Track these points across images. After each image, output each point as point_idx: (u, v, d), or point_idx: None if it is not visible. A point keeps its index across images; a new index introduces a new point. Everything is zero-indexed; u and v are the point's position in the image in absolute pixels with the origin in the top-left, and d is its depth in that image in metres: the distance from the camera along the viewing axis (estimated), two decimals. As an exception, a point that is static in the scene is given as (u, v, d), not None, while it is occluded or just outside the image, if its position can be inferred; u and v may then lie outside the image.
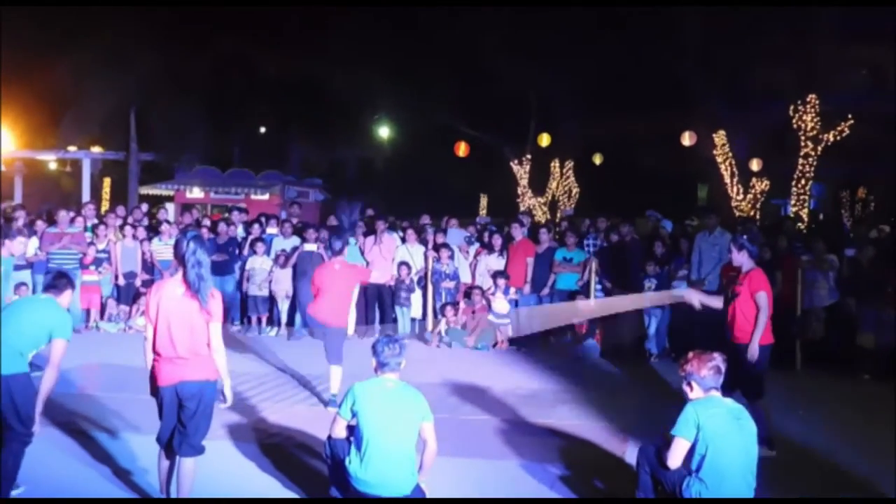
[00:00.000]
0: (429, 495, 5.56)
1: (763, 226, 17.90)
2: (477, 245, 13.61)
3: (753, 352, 7.35)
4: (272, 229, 14.14)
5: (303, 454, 7.13)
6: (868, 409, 9.08)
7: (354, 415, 5.45)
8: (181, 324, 5.44)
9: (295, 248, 13.33)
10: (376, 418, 5.36)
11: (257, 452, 7.14)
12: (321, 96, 27.51)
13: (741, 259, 7.67)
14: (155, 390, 5.58)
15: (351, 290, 9.32)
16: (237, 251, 13.67)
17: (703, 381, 5.38)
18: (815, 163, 22.79)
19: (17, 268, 11.35)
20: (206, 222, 14.44)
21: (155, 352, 5.52)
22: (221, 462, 6.63)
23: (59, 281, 6.28)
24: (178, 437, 5.53)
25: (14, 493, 5.85)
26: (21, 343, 5.82)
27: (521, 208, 27.41)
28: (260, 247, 13.50)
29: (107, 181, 30.04)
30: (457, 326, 12.70)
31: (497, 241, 13.21)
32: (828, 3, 20.57)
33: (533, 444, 7.60)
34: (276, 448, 7.30)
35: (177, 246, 5.62)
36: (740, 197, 24.72)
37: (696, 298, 8.15)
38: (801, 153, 22.72)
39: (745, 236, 8.31)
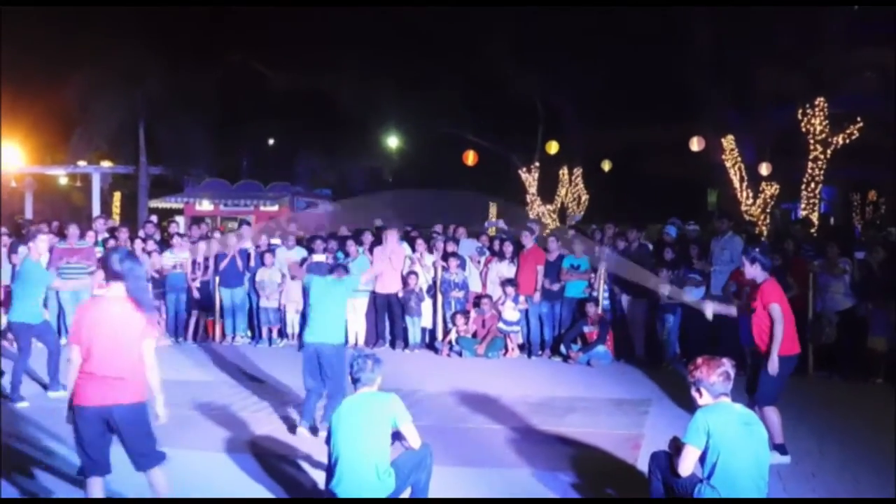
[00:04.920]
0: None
1: (773, 230, 17.82)
2: (487, 254, 13.58)
3: (773, 365, 7.26)
4: (275, 240, 14.18)
5: (311, 467, 7.10)
6: (881, 413, 8.99)
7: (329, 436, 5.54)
8: (112, 342, 5.24)
9: (304, 260, 13.32)
10: (343, 432, 5.42)
11: (268, 466, 7.14)
12: (329, 107, 27.64)
13: (754, 272, 7.56)
14: (76, 411, 5.29)
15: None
16: (246, 263, 13.68)
17: (712, 387, 5.34)
18: (824, 166, 22.71)
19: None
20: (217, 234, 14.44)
21: (83, 371, 5.27)
22: (232, 475, 6.63)
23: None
24: (130, 456, 5.35)
25: None
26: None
27: (531, 216, 27.39)
28: (269, 258, 13.52)
29: (117, 195, 30.23)
30: (467, 335, 12.69)
31: (508, 248, 13.18)
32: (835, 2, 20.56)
33: (544, 453, 7.58)
34: (283, 461, 7.30)
35: (106, 262, 5.45)
36: (750, 201, 24.62)
37: (709, 309, 8.08)
38: (811, 157, 22.63)
39: (756, 249, 8.21)
